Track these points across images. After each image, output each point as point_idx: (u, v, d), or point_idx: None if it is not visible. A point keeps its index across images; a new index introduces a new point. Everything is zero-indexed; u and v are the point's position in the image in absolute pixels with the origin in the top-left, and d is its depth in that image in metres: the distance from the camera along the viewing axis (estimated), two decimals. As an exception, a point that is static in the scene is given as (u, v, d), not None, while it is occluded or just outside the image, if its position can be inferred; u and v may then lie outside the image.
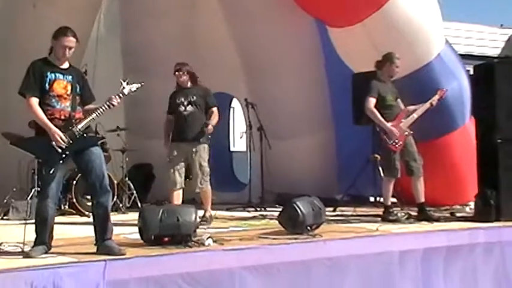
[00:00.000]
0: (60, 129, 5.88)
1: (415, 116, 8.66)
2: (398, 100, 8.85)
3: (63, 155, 5.91)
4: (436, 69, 9.89)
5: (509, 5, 45.80)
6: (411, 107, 8.76)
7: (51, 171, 5.91)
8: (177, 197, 8.51)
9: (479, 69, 9.31)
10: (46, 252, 5.82)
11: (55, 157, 5.90)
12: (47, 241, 5.91)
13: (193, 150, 8.51)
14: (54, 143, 5.85)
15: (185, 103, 8.58)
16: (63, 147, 5.86)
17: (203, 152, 8.56)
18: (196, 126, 8.52)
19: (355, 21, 9.77)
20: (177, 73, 8.65)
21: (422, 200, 8.67)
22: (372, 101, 8.60)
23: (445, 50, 10.30)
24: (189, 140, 8.51)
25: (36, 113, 5.92)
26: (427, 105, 8.67)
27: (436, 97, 8.75)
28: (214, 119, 8.63)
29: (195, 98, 8.60)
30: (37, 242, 5.87)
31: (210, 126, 8.48)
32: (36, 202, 6.17)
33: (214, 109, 8.72)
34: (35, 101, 5.93)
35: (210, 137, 8.68)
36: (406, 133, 8.61)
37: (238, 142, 14.90)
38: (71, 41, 6.07)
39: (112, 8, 12.07)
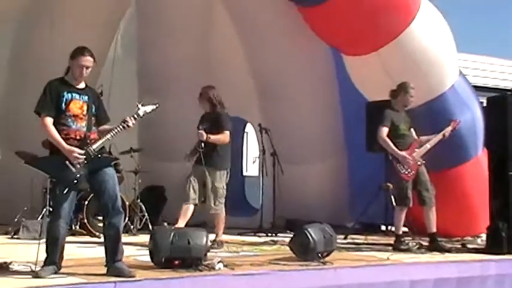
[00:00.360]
0: None
1: (428, 146, 8.64)
2: (412, 130, 8.83)
3: (78, 175, 5.90)
4: (449, 100, 9.86)
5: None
6: (424, 138, 8.74)
7: (64, 191, 5.91)
8: (186, 210, 8.49)
9: (492, 101, 9.32)
10: (56, 273, 5.81)
11: (69, 177, 5.89)
12: (57, 261, 5.90)
13: (208, 173, 8.50)
14: (68, 161, 5.85)
15: (201, 129, 8.60)
16: (81, 163, 5.85)
17: (218, 175, 8.58)
18: (208, 152, 8.51)
19: (370, 50, 9.78)
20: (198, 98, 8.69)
21: (434, 230, 8.63)
22: (384, 130, 8.60)
23: (459, 81, 10.27)
24: (205, 165, 8.51)
25: (51, 132, 5.93)
26: (439, 136, 8.66)
27: (449, 128, 8.74)
28: (217, 137, 8.56)
29: (208, 124, 8.62)
30: (47, 262, 5.85)
31: (201, 131, 8.41)
32: (48, 222, 6.15)
33: (223, 131, 8.66)
34: (49, 120, 5.94)
35: (229, 164, 8.77)
36: (419, 163, 8.59)
37: (251, 167, 14.89)
38: (88, 60, 6.09)
39: (129, 29, 12.13)
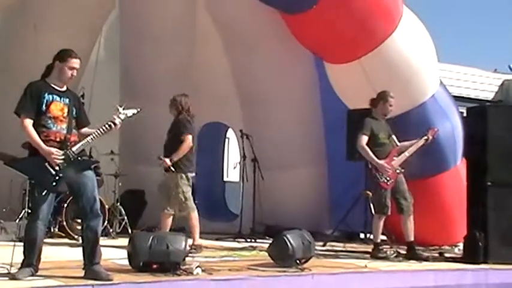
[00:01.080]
0: None
1: (406, 154, 8.67)
2: (392, 138, 8.84)
3: (57, 177, 5.86)
4: (429, 110, 9.92)
5: (502, 50, 46.42)
6: (405, 143, 8.75)
7: (43, 193, 5.87)
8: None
9: (472, 112, 9.43)
10: (33, 275, 5.76)
11: (48, 178, 5.86)
12: (34, 263, 5.85)
13: (169, 179, 8.63)
14: (48, 162, 5.81)
15: (166, 135, 8.72)
16: (60, 165, 5.81)
17: (177, 180, 8.57)
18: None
19: (352, 58, 9.82)
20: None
21: (412, 238, 8.64)
22: (364, 139, 8.61)
23: (440, 91, 10.34)
24: (165, 170, 8.62)
25: (30, 133, 5.88)
26: (419, 143, 8.66)
27: (429, 136, 8.74)
28: (179, 151, 8.53)
29: (173, 132, 8.69)
30: (24, 264, 5.81)
31: (165, 160, 8.48)
32: (26, 223, 6.11)
33: (183, 137, 8.62)
34: (28, 122, 5.90)
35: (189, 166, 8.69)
36: (398, 171, 8.60)
37: (231, 172, 14.88)
38: (77, 62, 6.10)
39: (112, 33, 12.07)
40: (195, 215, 8.65)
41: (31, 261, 5.81)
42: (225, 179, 14.31)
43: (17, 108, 5.96)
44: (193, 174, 8.82)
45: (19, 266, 5.80)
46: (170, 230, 8.46)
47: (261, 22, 10.70)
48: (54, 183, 5.88)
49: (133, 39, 11.74)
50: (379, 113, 8.83)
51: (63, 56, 6.09)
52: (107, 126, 6.08)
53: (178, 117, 8.73)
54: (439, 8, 47.32)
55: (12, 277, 5.64)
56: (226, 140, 14.07)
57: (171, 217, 8.58)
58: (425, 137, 8.67)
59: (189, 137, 8.63)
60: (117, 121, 6.13)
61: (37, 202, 5.92)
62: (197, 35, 11.74)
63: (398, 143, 8.79)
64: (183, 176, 8.59)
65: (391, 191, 8.59)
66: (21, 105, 5.95)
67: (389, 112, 8.85)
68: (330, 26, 9.52)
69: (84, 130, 6.22)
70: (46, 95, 5.98)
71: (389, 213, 8.58)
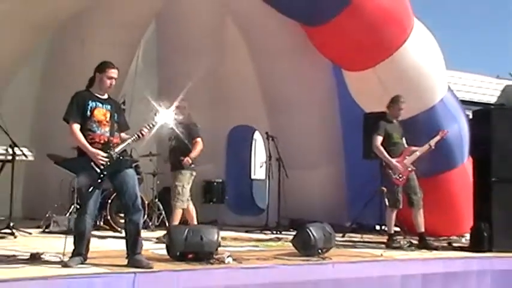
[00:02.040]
0: None
1: (417, 153, 8.66)
2: (403, 138, 8.84)
3: (101, 175, 5.93)
4: (439, 112, 9.87)
5: (504, 58, 46.13)
6: (414, 148, 8.74)
7: (89, 190, 5.93)
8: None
9: (477, 114, 9.35)
10: (82, 263, 5.84)
11: (93, 177, 5.93)
12: (83, 253, 5.93)
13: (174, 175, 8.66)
14: (93, 162, 5.89)
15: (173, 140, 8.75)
16: (104, 164, 5.89)
17: (181, 176, 8.59)
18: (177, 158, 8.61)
19: (368, 66, 9.79)
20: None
21: (422, 230, 8.63)
22: (378, 139, 8.62)
23: (448, 95, 10.29)
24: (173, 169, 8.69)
25: (77, 137, 5.97)
26: (427, 146, 8.66)
27: (437, 138, 8.74)
28: (196, 152, 8.64)
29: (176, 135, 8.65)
30: (74, 254, 5.89)
31: (187, 159, 8.52)
32: (75, 217, 6.19)
33: (195, 140, 8.70)
34: (76, 127, 5.99)
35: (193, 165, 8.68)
36: (410, 169, 8.60)
37: (258, 171, 14.88)
38: (115, 72, 6.16)
39: (150, 46, 12.16)
40: (179, 212, 8.55)
41: (80, 250, 5.90)
42: (253, 177, 14.29)
43: (65, 116, 6.05)
44: (195, 173, 8.76)
45: (70, 255, 5.88)
46: (180, 222, 8.46)
47: (284, 34, 10.70)
48: (99, 181, 5.95)
49: (169, 51, 11.84)
50: (392, 116, 8.83)
51: (102, 67, 6.17)
52: (138, 134, 6.14)
53: (185, 122, 8.67)
54: (446, 20, 47.05)
55: (64, 265, 5.72)
56: (254, 141, 14.07)
57: (180, 211, 8.54)
58: (433, 141, 8.66)
59: (201, 140, 8.70)
60: (145, 131, 6.18)
61: (84, 198, 6.00)
62: (226, 46, 11.80)
63: (406, 145, 8.79)
64: (188, 173, 8.60)
65: (403, 187, 8.59)
66: (69, 113, 6.04)
67: (400, 115, 8.84)
68: (347, 37, 9.50)
69: (123, 135, 6.30)
70: (90, 102, 6.08)
71: (401, 207, 8.57)
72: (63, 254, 5.97)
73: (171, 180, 8.82)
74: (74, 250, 5.91)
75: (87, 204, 5.97)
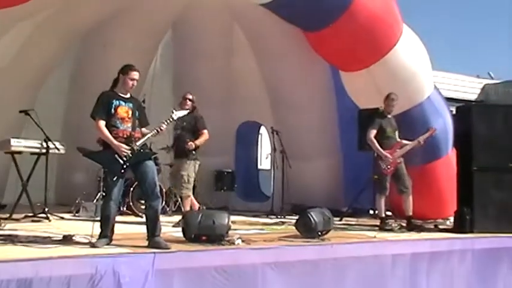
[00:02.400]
0: None
1: (407, 148, 8.69)
2: (396, 133, 8.83)
3: (124, 166, 5.96)
4: (426, 108, 9.86)
5: (483, 59, 46.22)
6: (405, 142, 8.74)
7: (114, 179, 5.97)
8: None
9: (460, 110, 9.39)
10: (108, 244, 5.88)
11: (117, 167, 5.97)
12: (109, 235, 5.97)
13: (179, 166, 8.48)
14: (117, 154, 5.93)
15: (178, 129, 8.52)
16: (126, 156, 5.91)
17: (186, 165, 8.37)
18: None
19: (362, 67, 9.78)
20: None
21: (411, 213, 8.68)
22: (372, 132, 8.64)
23: (434, 93, 10.26)
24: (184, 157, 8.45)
25: (103, 131, 6.02)
26: (416, 141, 8.66)
27: (427, 134, 8.74)
28: (202, 139, 8.43)
29: (184, 124, 8.43)
30: (101, 236, 5.93)
31: (192, 143, 8.29)
32: (102, 203, 6.22)
33: (202, 131, 8.48)
34: (102, 123, 6.03)
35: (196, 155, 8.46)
36: (399, 161, 8.61)
37: (264, 162, 14.89)
38: (136, 74, 6.18)
39: (167, 50, 12.18)
40: (188, 199, 8.40)
41: (106, 233, 5.94)
42: (259, 167, 14.31)
43: (92, 113, 6.09)
44: (199, 163, 8.51)
45: (97, 237, 5.93)
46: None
47: (286, 37, 10.65)
48: (122, 171, 5.99)
49: (184, 54, 11.86)
50: (386, 111, 8.83)
51: (125, 69, 6.19)
52: (157, 129, 6.16)
53: (193, 112, 8.39)
54: (431, 25, 46.99)
55: (92, 245, 5.77)
56: (260, 135, 14.08)
57: (189, 198, 8.42)
58: (423, 138, 8.67)
59: (207, 132, 8.50)
60: (163, 127, 6.22)
61: (109, 186, 6.02)
62: (234, 49, 11.81)
63: (398, 139, 8.77)
64: (192, 163, 8.39)
65: (393, 176, 8.60)
66: (95, 110, 6.08)
67: (392, 110, 8.85)
68: (343, 41, 9.47)
69: (144, 130, 6.32)
70: (114, 101, 6.10)
71: (387, 193, 8.63)
72: (91, 236, 6.02)
73: (174, 168, 8.68)
74: (100, 232, 5.95)
75: (112, 191, 6.00)
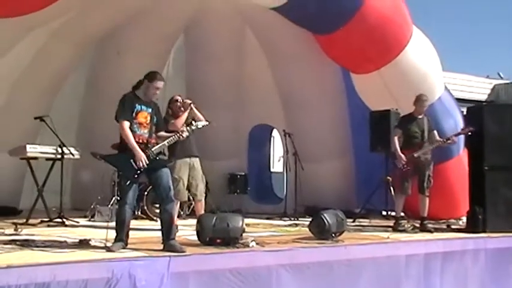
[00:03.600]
0: None
1: (429, 147, 8.60)
2: (425, 133, 8.69)
3: (138, 171, 5.96)
4: (437, 109, 9.80)
5: (493, 60, 46.01)
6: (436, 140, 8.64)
7: (128, 183, 5.96)
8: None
9: (471, 111, 9.35)
10: (123, 248, 5.87)
11: (131, 172, 5.96)
12: (124, 239, 5.95)
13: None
14: (132, 160, 5.91)
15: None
16: (141, 168, 5.91)
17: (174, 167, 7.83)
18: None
19: (373, 69, 9.75)
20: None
21: (425, 215, 8.60)
22: (396, 131, 8.70)
23: (444, 94, 10.23)
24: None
25: (127, 134, 5.95)
26: (441, 141, 8.59)
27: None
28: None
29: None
30: (116, 239, 5.92)
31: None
32: (117, 208, 6.21)
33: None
34: (126, 124, 5.97)
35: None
36: (423, 159, 8.53)
37: (277, 164, 14.88)
38: (161, 84, 6.17)
39: (179, 54, 12.20)
40: (200, 203, 8.14)
41: (121, 237, 5.92)
42: (272, 170, 14.30)
43: (116, 116, 6.02)
44: (189, 160, 8.10)
45: (113, 241, 5.92)
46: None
47: (297, 40, 10.65)
48: (135, 176, 5.99)
49: (195, 58, 11.88)
50: (416, 112, 8.75)
51: (152, 77, 6.15)
52: (178, 135, 6.16)
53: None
54: (441, 26, 46.86)
55: (108, 249, 5.76)
56: (272, 138, 14.08)
57: (201, 202, 8.25)
58: (444, 139, 8.61)
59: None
60: (185, 134, 6.26)
61: (124, 190, 6.02)
62: (246, 53, 11.80)
63: (438, 138, 8.67)
64: (178, 163, 7.97)
65: (418, 173, 8.54)
66: (119, 112, 6.02)
67: (423, 111, 8.74)
68: (353, 44, 9.45)
69: (160, 134, 6.31)
70: (136, 105, 6.07)
71: (409, 192, 8.55)
72: (107, 240, 6.01)
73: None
74: (116, 236, 5.94)
75: (127, 196, 5.99)
